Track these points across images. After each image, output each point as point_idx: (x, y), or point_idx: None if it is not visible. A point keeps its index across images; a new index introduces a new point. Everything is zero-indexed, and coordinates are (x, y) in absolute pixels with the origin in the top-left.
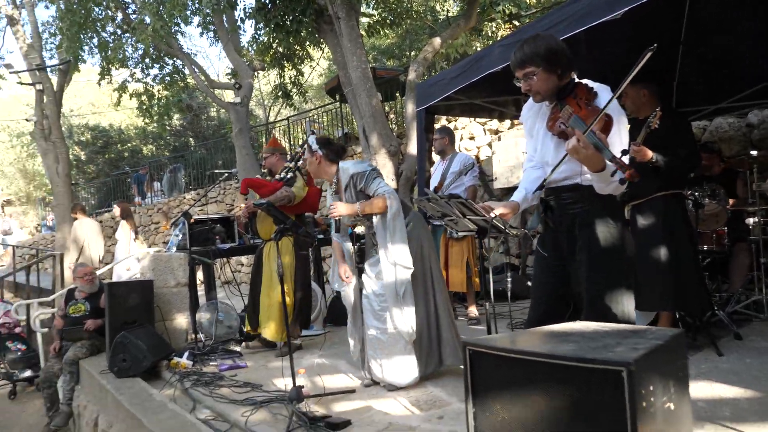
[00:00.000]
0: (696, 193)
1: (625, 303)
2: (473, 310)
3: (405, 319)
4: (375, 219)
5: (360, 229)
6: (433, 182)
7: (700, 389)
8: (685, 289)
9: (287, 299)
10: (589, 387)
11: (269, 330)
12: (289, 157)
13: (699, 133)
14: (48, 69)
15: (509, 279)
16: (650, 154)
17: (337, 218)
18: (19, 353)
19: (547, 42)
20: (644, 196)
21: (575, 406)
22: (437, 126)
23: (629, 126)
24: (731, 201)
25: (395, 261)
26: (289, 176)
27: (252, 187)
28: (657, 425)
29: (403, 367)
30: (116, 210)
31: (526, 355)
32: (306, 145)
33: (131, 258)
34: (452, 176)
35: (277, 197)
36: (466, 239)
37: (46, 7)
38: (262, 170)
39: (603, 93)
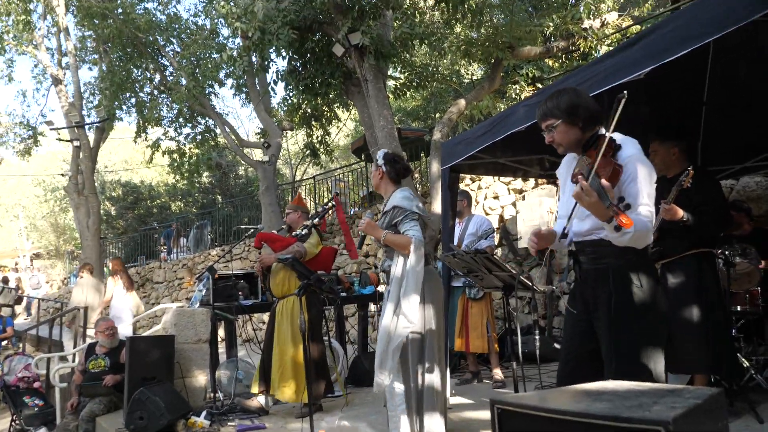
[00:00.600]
0: (727, 252)
1: (651, 364)
2: (498, 373)
3: (384, 373)
4: (394, 267)
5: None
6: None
7: None
8: (717, 351)
9: (302, 358)
10: None
11: (288, 391)
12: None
13: (726, 192)
14: (86, 126)
15: (537, 339)
16: (681, 212)
17: (361, 232)
18: (36, 409)
19: (569, 96)
20: (674, 255)
21: None
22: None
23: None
24: (763, 262)
25: (400, 312)
26: (303, 232)
27: (266, 241)
28: None
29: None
30: (110, 265)
31: (558, 414)
32: (374, 160)
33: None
34: (470, 238)
35: (288, 252)
36: (485, 300)
37: (90, 69)
38: (282, 227)
39: (627, 145)
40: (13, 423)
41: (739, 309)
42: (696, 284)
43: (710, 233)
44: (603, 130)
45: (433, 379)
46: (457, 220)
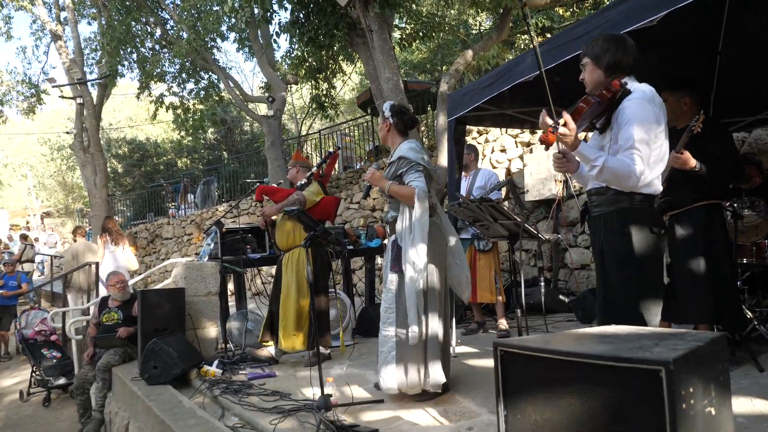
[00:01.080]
0: (735, 204)
1: (641, 313)
2: (503, 323)
3: (410, 321)
4: (400, 218)
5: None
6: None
7: (741, 405)
8: (723, 302)
9: (308, 308)
10: (626, 388)
11: (296, 341)
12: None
13: (738, 145)
14: (89, 83)
15: (542, 286)
16: (693, 161)
17: (366, 182)
18: (54, 360)
19: (602, 42)
20: (683, 206)
21: (611, 408)
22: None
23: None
24: None
25: (409, 259)
26: (303, 182)
27: (266, 194)
28: (697, 430)
29: (392, 374)
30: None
31: (560, 355)
32: (381, 113)
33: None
34: (478, 191)
35: (288, 201)
36: (493, 251)
37: (89, 24)
38: (281, 181)
39: (637, 91)
40: (33, 374)
41: (745, 261)
42: (704, 236)
43: (722, 184)
44: (626, 80)
45: (436, 329)
46: (463, 174)
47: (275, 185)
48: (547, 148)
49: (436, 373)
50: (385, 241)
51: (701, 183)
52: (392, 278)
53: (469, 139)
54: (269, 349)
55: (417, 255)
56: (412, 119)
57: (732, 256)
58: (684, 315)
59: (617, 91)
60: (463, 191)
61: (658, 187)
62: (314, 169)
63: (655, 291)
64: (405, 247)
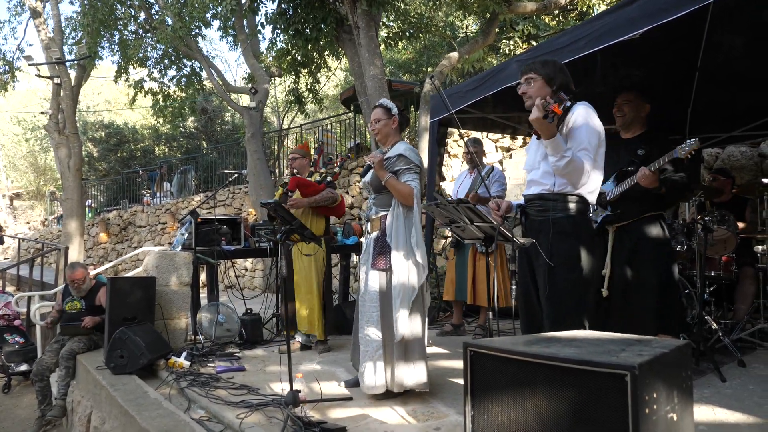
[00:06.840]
0: (706, 218)
1: (582, 311)
2: (482, 326)
3: (405, 322)
4: (390, 219)
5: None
6: (461, 193)
7: (702, 413)
8: (670, 309)
9: (317, 300)
10: (592, 391)
11: (318, 327)
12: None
13: (711, 161)
14: (67, 63)
15: (513, 290)
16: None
17: (369, 162)
18: (16, 346)
19: (554, 64)
20: (630, 218)
21: (576, 410)
22: (471, 136)
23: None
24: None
25: (417, 260)
26: (329, 179)
27: (299, 186)
28: None
29: (376, 373)
30: None
31: (528, 357)
32: (380, 107)
33: None
34: (483, 189)
35: (324, 197)
36: (497, 253)
37: (71, 3)
38: (293, 169)
39: (582, 104)
40: None
41: (713, 274)
42: (653, 244)
43: (676, 201)
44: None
45: (419, 327)
46: (467, 171)
47: (302, 176)
48: (549, 118)
49: (420, 373)
50: (362, 239)
51: (655, 199)
52: (374, 276)
53: (450, 142)
54: (298, 339)
55: (420, 253)
56: (408, 118)
57: (674, 261)
58: (635, 326)
59: (567, 107)
60: (466, 189)
61: (594, 198)
62: (336, 170)
63: (593, 294)
64: (396, 244)
